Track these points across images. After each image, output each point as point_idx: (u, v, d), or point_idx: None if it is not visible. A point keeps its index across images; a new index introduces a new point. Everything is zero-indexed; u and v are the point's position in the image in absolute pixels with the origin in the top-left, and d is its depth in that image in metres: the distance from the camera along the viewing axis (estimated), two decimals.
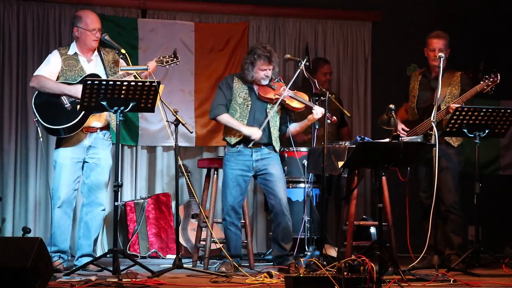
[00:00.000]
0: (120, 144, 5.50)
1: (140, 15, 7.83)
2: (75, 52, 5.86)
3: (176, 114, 5.57)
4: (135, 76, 5.77)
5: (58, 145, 5.84)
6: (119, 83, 5.22)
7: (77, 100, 5.59)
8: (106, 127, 5.88)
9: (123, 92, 5.23)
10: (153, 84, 5.27)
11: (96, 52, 5.91)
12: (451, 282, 5.11)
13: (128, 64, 5.80)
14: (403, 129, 6.38)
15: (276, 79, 5.96)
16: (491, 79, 6.04)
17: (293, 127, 6.05)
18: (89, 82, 5.20)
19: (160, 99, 5.42)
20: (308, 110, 5.93)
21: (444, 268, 5.61)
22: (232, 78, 6.02)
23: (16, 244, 4.44)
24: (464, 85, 6.30)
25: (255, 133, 5.81)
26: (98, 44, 5.89)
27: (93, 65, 5.88)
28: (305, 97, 5.97)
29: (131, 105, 5.28)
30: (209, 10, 7.98)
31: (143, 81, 5.34)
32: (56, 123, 5.67)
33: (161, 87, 5.45)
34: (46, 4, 7.52)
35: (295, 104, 5.92)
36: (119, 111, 5.28)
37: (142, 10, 7.84)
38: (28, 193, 7.41)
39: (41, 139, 5.96)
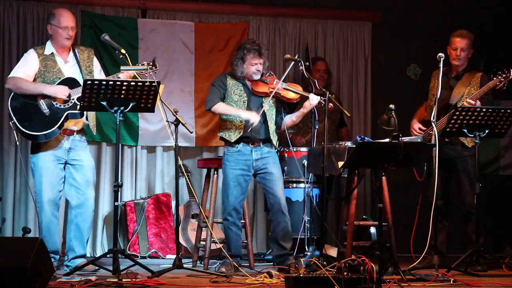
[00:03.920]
0: (120, 144, 5.49)
1: (140, 15, 7.83)
2: (52, 52, 5.80)
3: (176, 114, 5.57)
4: (134, 76, 5.75)
5: (37, 149, 5.74)
6: (119, 83, 5.21)
7: (55, 105, 5.59)
8: (81, 130, 5.84)
9: (123, 92, 5.22)
10: (153, 84, 5.27)
11: (71, 52, 5.86)
12: (451, 282, 5.11)
13: (128, 64, 5.79)
14: (420, 129, 6.35)
15: (268, 73, 5.97)
16: (503, 75, 6.01)
17: (289, 118, 6.03)
18: (89, 82, 5.19)
19: (160, 99, 5.42)
20: (304, 100, 5.93)
21: (444, 268, 5.61)
22: (225, 76, 6.03)
23: (16, 244, 4.44)
24: (484, 86, 6.24)
25: (254, 116, 5.78)
26: (71, 43, 5.83)
27: (69, 65, 5.82)
28: (299, 88, 5.97)
29: (131, 105, 5.27)
30: (209, 10, 7.99)
31: (143, 81, 5.33)
32: (35, 129, 5.60)
33: (161, 87, 5.44)
34: (46, 4, 7.52)
35: (290, 95, 5.91)
36: (119, 111, 5.27)
37: (142, 10, 7.85)
38: (28, 193, 7.40)
39: (18, 142, 5.85)
